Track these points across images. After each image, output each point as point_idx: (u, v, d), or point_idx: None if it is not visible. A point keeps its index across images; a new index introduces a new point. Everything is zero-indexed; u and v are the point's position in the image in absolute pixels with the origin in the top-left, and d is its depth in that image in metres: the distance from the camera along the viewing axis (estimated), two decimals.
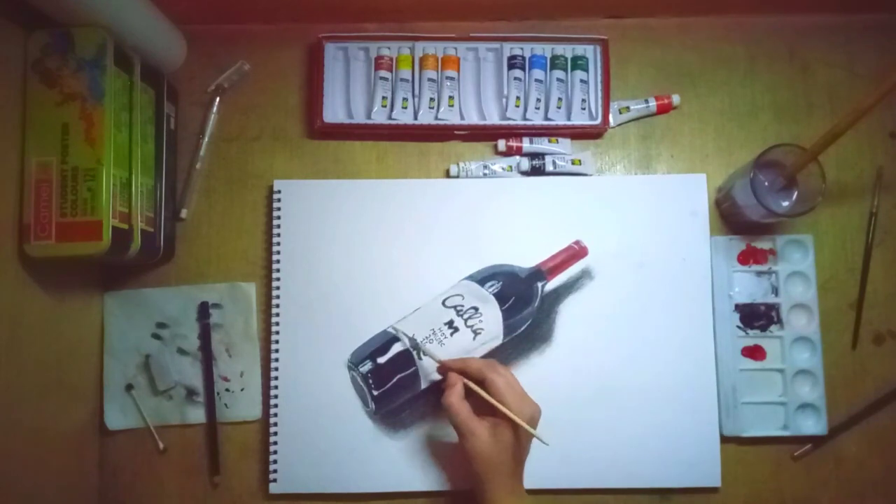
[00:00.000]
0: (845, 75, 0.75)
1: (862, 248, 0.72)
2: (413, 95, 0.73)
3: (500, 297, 0.69)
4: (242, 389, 0.71)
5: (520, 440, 0.60)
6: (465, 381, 0.61)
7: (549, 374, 0.70)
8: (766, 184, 0.67)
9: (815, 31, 0.75)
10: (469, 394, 0.61)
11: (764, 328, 0.71)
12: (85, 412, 0.70)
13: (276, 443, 0.69)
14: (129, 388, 0.71)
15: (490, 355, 0.70)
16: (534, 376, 0.69)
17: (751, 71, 0.76)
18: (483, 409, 0.60)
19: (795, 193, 0.67)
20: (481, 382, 0.61)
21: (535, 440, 0.60)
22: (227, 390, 0.71)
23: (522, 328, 0.70)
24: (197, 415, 0.71)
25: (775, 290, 0.71)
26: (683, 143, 0.75)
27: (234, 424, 0.71)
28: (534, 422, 0.60)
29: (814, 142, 0.62)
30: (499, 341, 0.70)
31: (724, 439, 0.70)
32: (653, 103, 0.74)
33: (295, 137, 0.75)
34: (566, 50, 0.74)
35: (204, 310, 0.72)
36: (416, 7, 0.74)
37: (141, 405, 0.71)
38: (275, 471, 0.69)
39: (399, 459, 0.69)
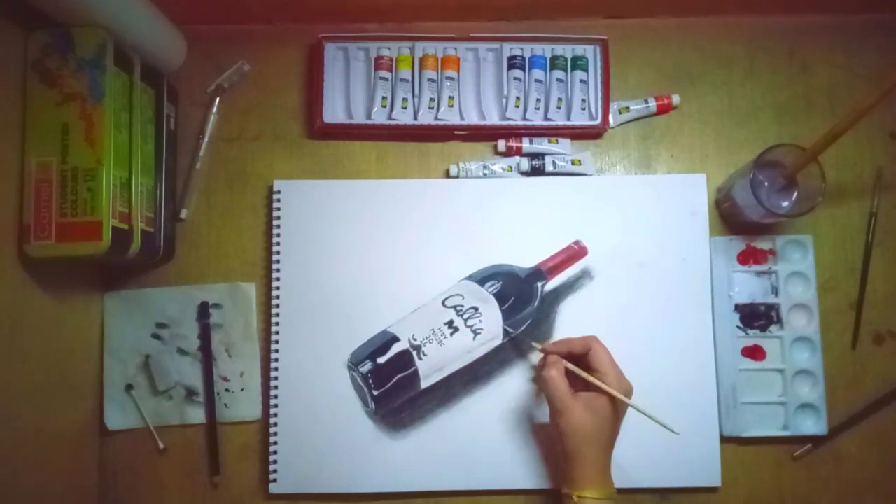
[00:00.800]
0: (845, 75, 0.75)
1: (862, 248, 0.72)
2: (413, 95, 0.73)
3: (500, 297, 0.69)
4: (242, 389, 0.71)
5: (615, 418, 0.61)
6: (566, 363, 0.62)
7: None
8: (766, 184, 0.67)
9: (815, 31, 0.75)
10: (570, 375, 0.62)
11: (764, 328, 0.71)
12: (85, 412, 0.70)
13: (275, 443, 0.69)
14: (129, 388, 0.71)
15: (490, 355, 0.70)
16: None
17: (751, 71, 0.76)
18: (577, 385, 0.61)
19: (795, 193, 0.67)
20: (584, 355, 0.62)
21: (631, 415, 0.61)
22: (227, 390, 0.71)
23: (522, 328, 0.70)
24: (197, 415, 0.71)
25: (775, 291, 0.71)
26: (683, 143, 0.75)
27: (234, 424, 0.71)
28: (629, 396, 0.62)
29: (814, 142, 0.62)
30: (498, 341, 0.70)
31: (724, 439, 0.70)
32: (652, 103, 0.74)
33: (295, 137, 0.75)
34: (566, 50, 0.74)
35: (204, 310, 0.72)
36: (416, 7, 0.74)
37: (141, 405, 0.71)
38: (275, 471, 0.69)
39: (399, 459, 0.69)
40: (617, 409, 0.61)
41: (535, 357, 0.69)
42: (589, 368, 0.62)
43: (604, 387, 0.60)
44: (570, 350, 0.63)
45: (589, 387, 0.61)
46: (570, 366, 0.62)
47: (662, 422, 0.60)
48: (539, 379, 0.61)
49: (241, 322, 0.72)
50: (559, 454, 0.61)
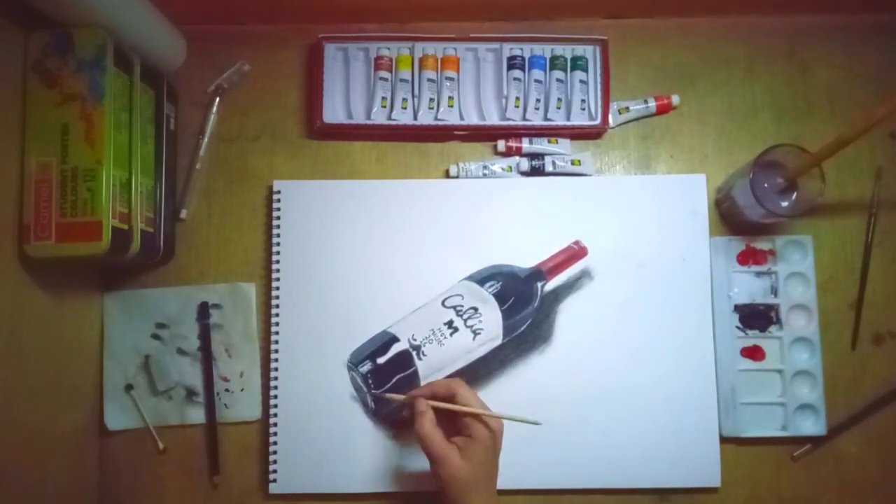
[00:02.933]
0: (845, 75, 0.75)
1: (861, 249, 0.72)
2: (413, 96, 0.73)
3: (500, 298, 0.69)
4: (242, 389, 0.71)
5: (493, 458, 0.60)
6: (434, 403, 0.60)
7: (549, 374, 0.70)
8: (766, 184, 0.67)
9: (815, 32, 0.75)
10: (438, 419, 0.60)
11: (763, 329, 0.71)
12: (84, 412, 0.70)
13: (275, 443, 0.69)
14: (129, 388, 0.71)
15: (490, 355, 0.70)
16: (533, 376, 0.70)
17: (750, 71, 0.76)
18: (451, 432, 0.60)
19: (795, 194, 0.67)
20: (451, 398, 0.60)
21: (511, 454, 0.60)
22: (227, 390, 0.71)
23: (522, 328, 0.70)
24: (197, 415, 0.71)
25: (775, 291, 0.71)
26: (683, 143, 0.75)
27: (234, 425, 0.71)
28: (501, 434, 0.60)
29: (819, 148, 0.62)
30: (498, 341, 0.70)
31: (724, 440, 0.70)
32: (652, 104, 0.74)
33: (295, 138, 0.75)
34: (566, 50, 0.74)
35: (204, 310, 0.72)
36: (415, 7, 0.74)
37: (141, 405, 0.71)
38: (274, 471, 0.69)
39: (399, 459, 0.69)
40: (492, 448, 0.59)
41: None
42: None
43: (469, 410, 0.59)
44: (434, 392, 0.61)
45: (461, 429, 0.59)
46: (437, 404, 0.60)
47: (525, 418, 0.61)
48: (413, 434, 0.59)
49: (241, 322, 0.72)
50: (443, 500, 0.59)
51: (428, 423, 0.59)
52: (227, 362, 0.72)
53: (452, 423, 0.60)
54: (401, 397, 0.63)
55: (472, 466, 0.58)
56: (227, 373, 0.72)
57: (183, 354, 0.72)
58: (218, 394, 0.71)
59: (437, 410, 0.60)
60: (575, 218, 0.72)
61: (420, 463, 0.69)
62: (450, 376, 0.69)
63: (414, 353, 0.67)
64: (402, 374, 0.67)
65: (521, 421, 0.61)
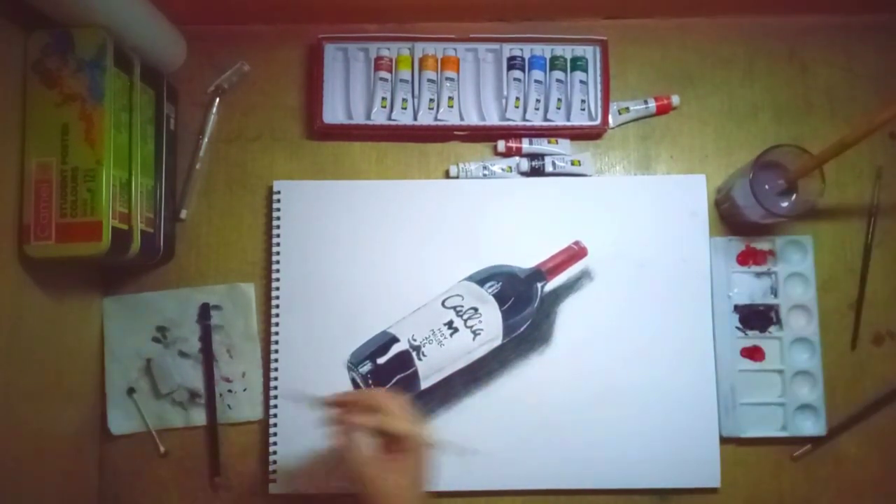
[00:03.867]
0: (845, 75, 0.75)
1: (861, 249, 0.72)
2: (413, 96, 0.73)
3: (500, 298, 0.69)
4: (245, 390, 0.71)
5: (421, 469, 0.55)
6: (354, 419, 0.55)
7: (549, 374, 0.70)
8: (766, 185, 0.67)
9: (815, 32, 0.75)
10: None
11: (763, 329, 0.71)
12: (84, 415, 0.70)
13: (275, 443, 0.69)
14: (131, 391, 0.71)
15: (490, 356, 0.70)
16: (533, 377, 0.70)
17: (750, 71, 0.76)
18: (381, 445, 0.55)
19: (795, 194, 0.67)
20: (376, 412, 0.55)
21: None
22: (230, 391, 0.71)
23: (522, 329, 0.70)
24: (200, 417, 0.71)
25: (774, 291, 0.71)
26: (683, 143, 0.75)
27: (235, 425, 0.71)
28: (432, 439, 0.56)
29: (821, 150, 0.62)
30: (498, 342, 0.70)
31: (724, 440, 0.70)
32: (652, 104, 0.74)
33: (295, 138, 0.75)
34: (565, 51, 0.74)
35: (205, 311, 0.72)
36: (415, 8, 0.74)
37: (143, 409, 0.71)
38: (274, 471, 0.69)
39: None
40: (419, 458, 0.55)
41: None
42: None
43: (394, 428, 0.54)
44: (354, 402, 0.56)
45: (389, 446, 0.55)
46: (360, 419, 0.55)
47: (456, 448, 0.57)
48: (339, 450, 0.55)
49: (242, 322, 0.72)
50: None
51: (352, 441, 0.54)
52: (229, 363, 0.72)
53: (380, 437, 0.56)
54: (319, 401, 0.58)
55: (405, 482, 0.54)
56: (230, 373, 0.72)
57: (184, 357, 0.72)
58: (221, 395, 0.71)
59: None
60: (575, 218, 0.72)
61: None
62: (450, 376, 0.69)
63: (414, 354, 0.67)
64: (402, 375, 0.67)
65: (454, 449, 0.57)
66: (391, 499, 0.53)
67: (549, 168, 0.73)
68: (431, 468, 0.56)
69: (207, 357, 0.71)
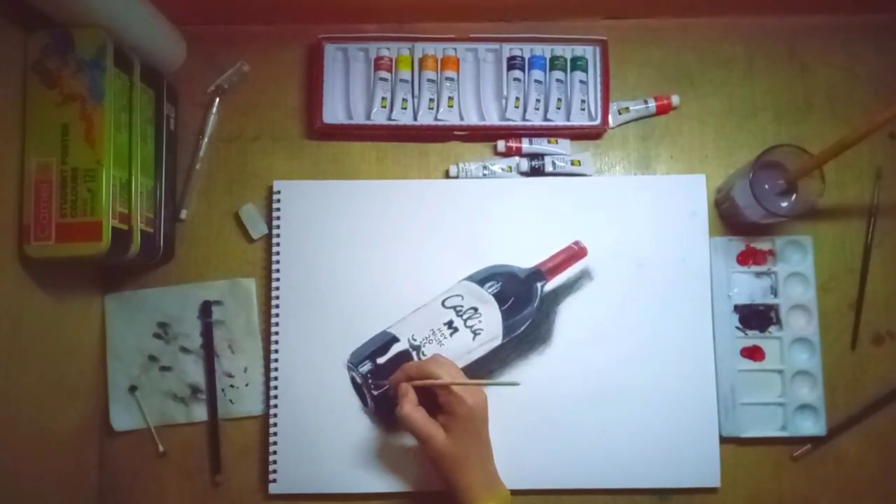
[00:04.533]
0: (844, 76, 0.75)
1: (861, 249, 0.72)
2: (412, 96, 0.73)
3: (500, 298, 0.69)
4: (247, 385, 0.72)
5: (478, 427, 0.60)
6: (413, 383, 0.61)
7: (549, 374, 0.70)
8: (766, 185, 0.67)
9: (815, 32, 0.76)
10: (423, 402, 0.61)
11: (763, 329, 0.71)
12: (85, 413, 0.70)
13: (275, 443, 0.69)
14: (133, 389, 0.71)
15: (489, 356, 0.70)
16: (533, 377, 0.70)
17: (750, 71, 0.76)
18: (435, 412, 0.61)
19: (795, 194, 0.67)
20: (425, 377, 0.61)
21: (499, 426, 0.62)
22: (232, 386, 0.72)
23: (522, 329, 0.70)
24: (202, 412, 0.71)
25: (774, 291, 0.71)
26: (683, 143, 0.75)
27: (237, 421, 0.71)
28: (482, 407, 0.61)
29: (821, 150, 0.62)
30: (498, 342, 0.70)
31: (723, 440, 0.70)
32: (652, 104, 0.74)
33: (294, 138, 0.75)
34: (565, 51, 0.74)
35: (206, 308, 0.72)
36: (415, 8, 0.74)
37: (145, 405, 0.71)
38: (274, 471, 0.69)
39: (399, 459, 0.69)
40: (474, 420, 0.60)
41: None
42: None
43: (446, 382, 0.59)
44: (408, 374, 0.62)
45: (442, 408, 0.60)
46: (417, 383, 0.61)
47: (500, 382, 0.65)
48: (399, 417, 0.60)
49: (243, 318, 0.72)
50: (441, 482, 0.61)
51: (408, 405, 0.60)
52: (231, 358, 0.72)
53: (437, 403, 0.61)
54: (385, 384, 0.65)
55: (457, 442, 0.59)
56: (231, 369, 0.72)
57: (186, 353, 0.72)
58: (223, 390, 0.71)
59: (419, 391, 0.61)
60: (575, 218, 0.72)
61: (420, 462, 0.69)
62: None
63: (414, 354, 0.67)
64: None
65: (499, 384, 0.63)
66: (446, 455, 0.58)
67: (548, 168, 0.73)
68: (485, 429, 0.61)
69: (209, 353, 0.71)
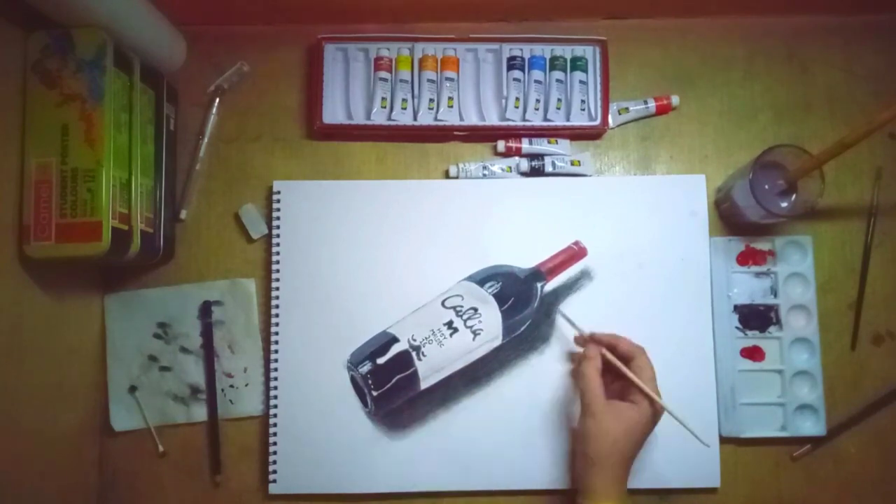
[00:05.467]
0: (844, 76, 0.75)
1: (861, 249, 0.72)
2: (412, 96, 0.73)
3: (500, 298, 0.69)
4: (247, 385, 0.72)
5: (643, 433, 0.59)
6: (608, 354, 0.61)
7: (548, 374, 0.70)
8: (766, 185, 0.67)
9: (814, 32, 0.76)
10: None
11: (763, 329, 0.71)
12: (85, 413, 0.70)
13: (275, 443, 0.69)
14: (133, 389, 0.71)
15: (489, 356, 0.70)
16: (533, 377, 0.70)
17: (750, 72, 0.76)
18: (611, 392, 0.61)
19: (794, 194, 0.67)
20: (628, 362, 0.61)
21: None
22: (232, 386, 0.72)
23: (522, 329, 0.70)
24: (202, 413, 0.71)
25: (774, 291, 0.71)
26: (682, 143, 0.75)
27: (237, 421, 0.71)
28: (655, 424, 0.60)
29: (821, 150, 0.62)
30: (498, 342, 0.70)
31: (723, 440, 0.70)
32: (652, 104, 0.74)
33: (294, 138, 0.75)
34: (565, 51, 0.74)
35: (206, 309, 0.72)
36: (415, 8, 0.74)
37: (145, 406, 0.71)
38: (274, 471, 0.69)
39: (399, 459, 0.69)
40: (646, 423, 0.59)
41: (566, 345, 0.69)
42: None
43: (641, 385, 0.59)
44: (614, 345, 0.62)
45: (623, 395, 0.60)
46: (610, 356, 0.61)
47: (696, 434, 0.60)
48: (575, 373, 0.59)
49: (243, 318, 0.72)
50: (578, 458, 0.60)
51: (592, 367, 0.60)
52: (231, 358, 0.72)
53: (615, 382, 0.60)
54: (579, 329, 0.65)
55: (624, 430, 0.58)
56: (231, 369, 0.72)
57: (186, 353, 0.72)
58: (223, 390, 0.71)
59: (606, 363, 0.61)
60: (575, 218, 0.72)
61: (420, 462, 0.69)
62: (450, 376, 0.69)
63: (414, 354, 0.67)
64: (401, 375, 0.67)
65: (689, 430, 0.60)
66: (602, 439, 0.58)
67: (548, 168, 0.73)
68: (649, 432, 0.60)
69: (209, 353, 0.71)
